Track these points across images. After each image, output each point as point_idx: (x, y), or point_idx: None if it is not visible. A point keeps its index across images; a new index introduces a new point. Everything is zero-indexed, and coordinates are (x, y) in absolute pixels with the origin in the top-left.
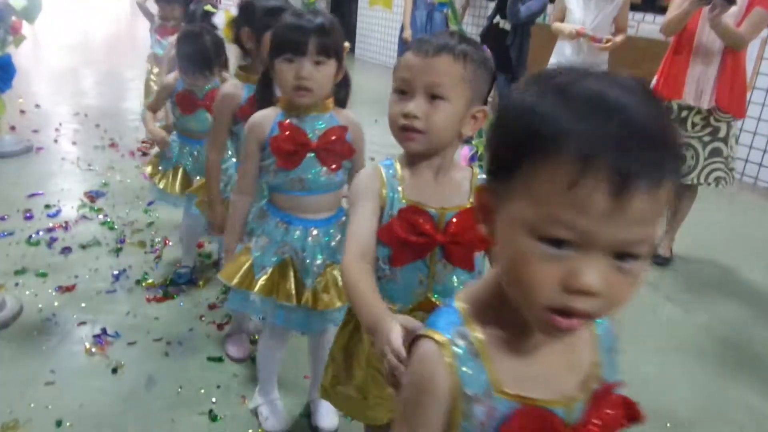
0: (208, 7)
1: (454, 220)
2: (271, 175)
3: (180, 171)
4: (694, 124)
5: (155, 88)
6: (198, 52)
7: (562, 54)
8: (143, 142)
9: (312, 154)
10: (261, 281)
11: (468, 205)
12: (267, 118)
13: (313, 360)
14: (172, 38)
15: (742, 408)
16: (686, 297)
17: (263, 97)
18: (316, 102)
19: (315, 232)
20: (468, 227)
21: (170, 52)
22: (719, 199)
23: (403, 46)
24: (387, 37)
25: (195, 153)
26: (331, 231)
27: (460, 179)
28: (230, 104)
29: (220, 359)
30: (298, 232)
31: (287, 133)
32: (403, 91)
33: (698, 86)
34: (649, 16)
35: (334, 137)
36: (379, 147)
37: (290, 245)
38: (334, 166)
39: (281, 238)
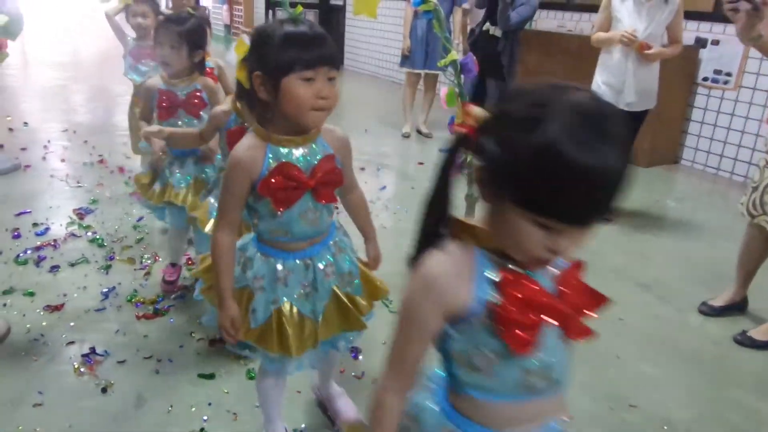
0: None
1: None
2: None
3: None
4: None
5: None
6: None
7: (607, 65)
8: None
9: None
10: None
11: None
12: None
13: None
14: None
15: (739, 409)
16: (679, 297)
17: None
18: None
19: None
20: None
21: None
22: (712, 197)
23: (403, 58)
24: (375, 47)
25: None
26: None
27: None
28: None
29: (211, 376)
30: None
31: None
32: None
33: None
34: None
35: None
36: (370, 157)
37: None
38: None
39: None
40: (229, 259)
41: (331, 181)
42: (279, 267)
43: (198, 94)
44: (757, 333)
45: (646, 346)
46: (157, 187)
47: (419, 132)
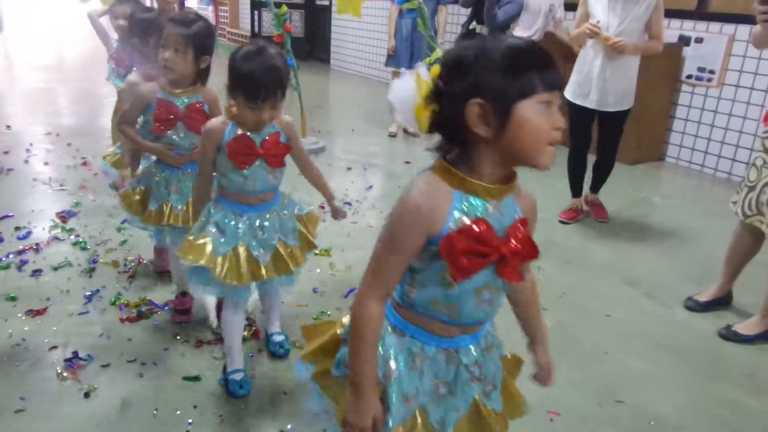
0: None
1: None
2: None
3: (243, 250)
4: None
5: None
6: (268, 70)
7: (579, 62)
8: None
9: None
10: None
11: None
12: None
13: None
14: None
15: (725, 403)
16: (665, 293)
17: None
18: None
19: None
20: None
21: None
22: (685, 192)
23: (388, 57)
24: (360, 47)
25: (256, 224)
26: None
27: None
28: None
29: (196, 378)
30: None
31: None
32: None
33: None
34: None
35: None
36: (357, 156)
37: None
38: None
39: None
40: (375, 336)
41: (522, 254)
42: (417, 352)
43: (199, 106)
44: (742, 327)
45: (633, 341)
46: (152, 207)
47: (406, 131)
